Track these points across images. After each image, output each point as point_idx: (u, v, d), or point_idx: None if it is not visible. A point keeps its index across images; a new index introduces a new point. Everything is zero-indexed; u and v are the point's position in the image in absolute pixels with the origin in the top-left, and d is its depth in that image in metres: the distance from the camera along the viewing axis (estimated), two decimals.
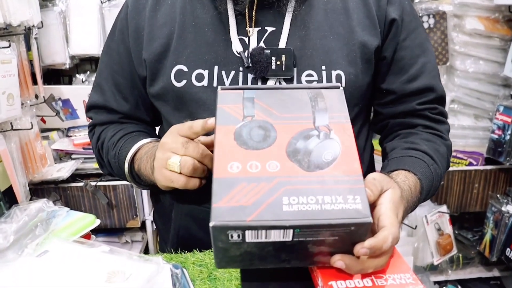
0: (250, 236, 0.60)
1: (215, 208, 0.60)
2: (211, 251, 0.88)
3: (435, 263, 2.25)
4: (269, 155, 0.66)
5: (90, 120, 1.10)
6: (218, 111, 0.73)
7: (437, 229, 2.22)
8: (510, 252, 2.11)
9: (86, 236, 0.89)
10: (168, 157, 0.82)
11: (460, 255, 2.37)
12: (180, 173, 0.81)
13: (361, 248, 0.63)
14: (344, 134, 0.69)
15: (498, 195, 2.20)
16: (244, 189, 0.62)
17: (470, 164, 2.25)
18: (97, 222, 0.90)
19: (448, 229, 2.26)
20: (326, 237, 0.62)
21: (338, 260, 0.65)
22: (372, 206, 0.70)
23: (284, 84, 0.91)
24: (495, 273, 2.41)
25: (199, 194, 0.88)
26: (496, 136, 2.13)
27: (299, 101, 0.74)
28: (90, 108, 1.09)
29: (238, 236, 0.60)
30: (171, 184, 0.84)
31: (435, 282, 2.36)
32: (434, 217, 2.21)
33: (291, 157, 0.66)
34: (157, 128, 1.14)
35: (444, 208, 2.23)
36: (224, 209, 0.60)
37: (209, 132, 0.81)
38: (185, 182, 0.82)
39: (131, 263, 0.73)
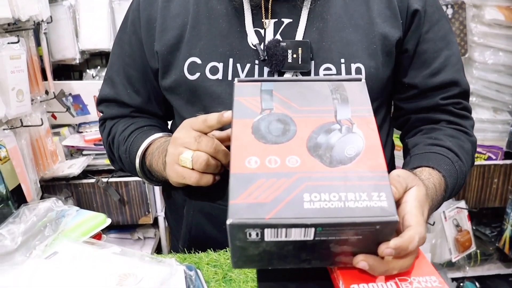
0: (269, 235, 0.58)
1: (232, 204, 0.57)
2: (226, 251, 0.86)
3: (453, 260, 2.23)
4: (289, 150, 0.63)
5: (101, 114, 1.08)
6: (235, 103, 0.70)
7: (455, 225, 2.19)
8: None
9: (97, 236, 0.87)
10: (180, 152, 0.80)
11: (478, 251, 2.35)
12: (193, 169, 0.79)
13: (386, 248, 0.61)
14: (367, 128, 0.66)
15: None
16: (263, 185, 0.59)
17: (489, 158, 2.22)
18: (108, 221, 0.88)
19: (467, 225, 2.23)
20: (349, 236, 0.59)
21: (362, 261, 0.62)
22: (397, 204, 0.67)
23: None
24: None
25: (213, 191, 0.85)
26: None
27: (320, 94, 0.71)
28: (101, 101, 1.07)
29: (257, 234, 0.58)
30: (183, 181, 0.82)
31: (453, 279, 2.34)
32: (453, 213, 2.18)
33: (312, 152, 0.63)
34: (170, 123, 1.11)
35: (462, 203, 2.20)
36: (242, 206, 0.57)
37: (223, 127, 0.79)
38: (198, 179, 0.80)
39: (143, 265, 0.71)
